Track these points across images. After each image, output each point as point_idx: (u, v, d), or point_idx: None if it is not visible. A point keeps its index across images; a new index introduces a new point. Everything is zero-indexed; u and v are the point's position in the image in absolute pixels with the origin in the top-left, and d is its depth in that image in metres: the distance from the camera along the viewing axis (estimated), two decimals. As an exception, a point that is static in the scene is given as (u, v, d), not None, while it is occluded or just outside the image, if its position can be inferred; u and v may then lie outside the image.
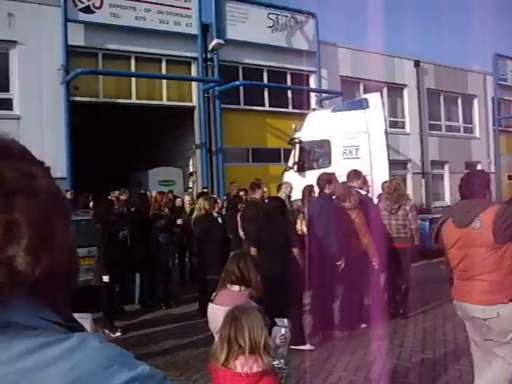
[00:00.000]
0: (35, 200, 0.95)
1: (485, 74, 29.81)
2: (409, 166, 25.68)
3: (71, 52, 17.53)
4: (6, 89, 17.05)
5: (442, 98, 28.01)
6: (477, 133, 29.51)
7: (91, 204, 12.37)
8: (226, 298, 4.01)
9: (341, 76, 23.69)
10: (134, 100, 19.58)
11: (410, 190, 21.59)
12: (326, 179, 8.47)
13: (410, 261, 9.34)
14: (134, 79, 19.48)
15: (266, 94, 22.18)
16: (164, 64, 20.08)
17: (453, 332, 7.97)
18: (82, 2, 17.77)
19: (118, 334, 8.94)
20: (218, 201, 12.87)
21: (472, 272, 4.49)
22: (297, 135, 16.73)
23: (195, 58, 20.35)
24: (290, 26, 22.07)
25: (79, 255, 10.15)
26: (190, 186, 19.07)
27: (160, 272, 11.09)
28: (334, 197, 8.77)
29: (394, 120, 25.46)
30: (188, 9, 19.81)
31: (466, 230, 4.48)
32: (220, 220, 11.54)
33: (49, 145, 16.97)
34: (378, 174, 13.99)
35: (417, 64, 26.45)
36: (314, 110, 20.50)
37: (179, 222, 11.95)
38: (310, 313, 8.37)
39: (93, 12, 17.90)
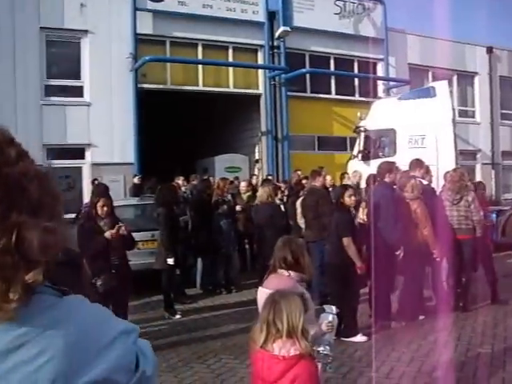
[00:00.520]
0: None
1: None
2: (478, 156, 24.97)
3: (140, 40, 17.89)
4: (78, 76, 17.57)
5: (515, 86, 27.08)
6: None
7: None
8: (275, 283, 4.05)
9: (409, 64, 23.26)
10: (200, 87, 19.80)
11: (479, 181, 21.01)
12: (387, 168, 8.40)
13: (471, 253, 9.14)
14: (200, 67, 19.68)
15: (332, 81, 22.02)
16: (231, 51, 20.21)
17: (514, 328, 7.79)
18: (151, -9, 18.09)
19: (178, 316, 9.14)
20: (282, 188, 12.95)
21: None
22: (362, 124, 16.57)
23: (262, 46, 20.39)
24: (357, 13, 21.77)
25: (143, 239, 10.49)
26: (256, 173, 19.18)
27: (221, 257, 11.23)
28: (395, 186, 8.69)
29: (464, 109, 24.82)
30: (255, -4, 19.86)
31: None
32: (282, 207, 11.60)
33: (117, 131, 17.45)
34: (444, 164, 13.68)
35: (489, 51, 25.60)
36: (379, 98, 20.24)
37: (238, 208, 12.05)
38: (368, 302, 8.31)
39: (161, 0, 18.16)
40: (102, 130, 17.35)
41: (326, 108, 21.50)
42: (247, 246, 13.39)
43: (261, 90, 20.70)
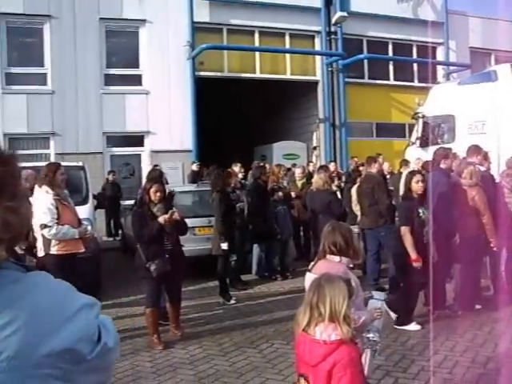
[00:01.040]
0: None
1: None
2: (543, 142, 24.19)
3: (197, 28, 18.06)
4: (136, 65, 17.89)
5: None
6: None
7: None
8: (324, 268, 4.03)
9: (470, 47, 22.73)
10: (258, 74, 19.86)
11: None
12: (442, 154, 8.24)
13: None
14: (257, 54, 19.73)
15: (390, 67, 21.73)
16: (287, 38, 20.17)
17: None
18: (207, -20, 18.21)
19: (233, 301, 9.22)
20: (340, 174, 12.86)
21: None
22: (420, 110, 16.28)
23: (319, 32, 20.27)
24: (416, -4, 21.35)
25: (200, 225, 10.62)
26: (313, 160, 19.11)
27: (277, 244, 11.25)
28: (452, 173, 8.53)
29: (529, 93, 24.03)
30: (311, -19, 19.72)
31: None
32: (339, 194, 11.54)
33: (175, 118, 17.68)
34: (505, 151, 13.30)
35: (555, 32, 24.71)
36: (438, 83, 19.81)
37: (294, 194, 12.03)
38: (423, 290, 8.20)
39: (218, -12, 18.28)
40: (160, 117, 17.63)
41: (384, 94, 21.24)
42: (302, 233, 13.38)
43: (318, 77, 20.61)
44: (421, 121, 16.00)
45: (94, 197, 11.16)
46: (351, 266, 4.50)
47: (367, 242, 10.12)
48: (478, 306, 8.21)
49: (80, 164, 11.27)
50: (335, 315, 2.98)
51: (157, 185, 7.18)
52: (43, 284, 1.22)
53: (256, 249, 11.47)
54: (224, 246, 9.15)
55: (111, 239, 16.36)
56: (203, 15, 18.28)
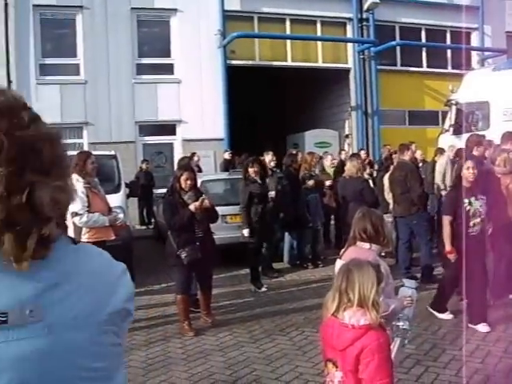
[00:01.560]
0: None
1: None
2: None
3: (227, 17, 18.04)
4: (168, 54, 17.97)
5: None
6: None
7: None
8: (353, 255, 4.00)
9: (507, 32, 22.23)
10: (289, 62, 19.79)
11: None
12: (475, 141, 8.13)
13: None
14: (289, 42, 19.65)
15: (423, 54, 21.47)
16: (319, 25, 20.04)
17: None
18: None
19: (264, 289, 9.25)
20: (372, 162, 12.76)
21: None
22: (453, 97, 16.05)
23: (350, 19, 20.10)
24: (450, -19, 20.99)
25: (231, 213, 10.63)
26: (345, 148, 19.00)
27: (308, 232, 11.24)
28: (485, 160, 8.40)
29: None
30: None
31: None
32: (371, 182, 11.46)
33: (207, 107, 17.73)
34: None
35: None
36: (473, 69, 19.49)
37: (328, 183, 11.98)
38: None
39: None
40: (192, 106, 17.69)
41: (417, 81, 20.99)
42: (332, 222, 13.32)
43: (350, 64, 20.47)
44: (454, 108, 15.80)
45: (127, 185, 11.23)
46: (382, 254, 4.48)
47: (399, 230, 10.05)
48: (510, 296, 8.11)
49: (112, 153, 11.34)
50: (364, 301, 2.99)
51: (187, 172, 7.20)
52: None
53: (287, 237, 11.47)
54: (245, 232, 9.17)
55: (144, 228, 16.51)
56: (234, 3, 18.25)
